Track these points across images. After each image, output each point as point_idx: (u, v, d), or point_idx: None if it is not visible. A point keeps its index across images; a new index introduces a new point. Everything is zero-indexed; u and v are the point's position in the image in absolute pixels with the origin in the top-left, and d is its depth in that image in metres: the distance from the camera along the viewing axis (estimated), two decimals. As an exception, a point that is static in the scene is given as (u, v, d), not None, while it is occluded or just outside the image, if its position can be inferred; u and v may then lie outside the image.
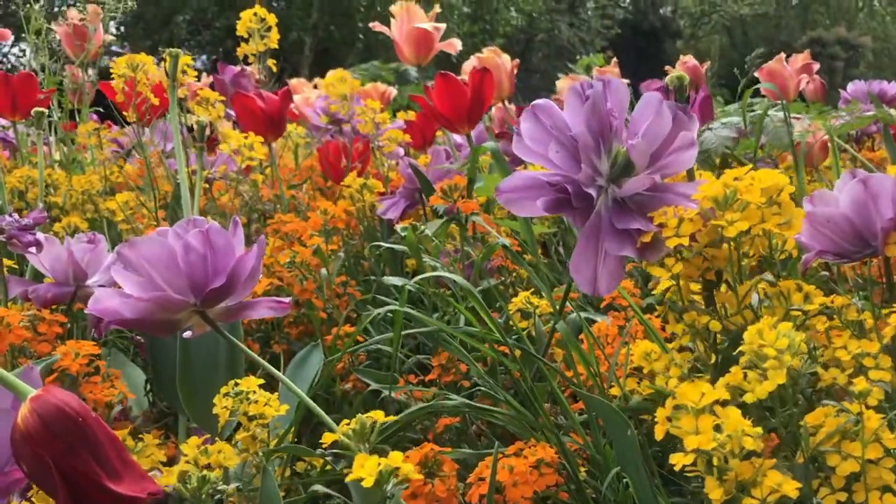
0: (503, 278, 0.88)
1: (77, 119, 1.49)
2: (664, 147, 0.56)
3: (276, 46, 1.14)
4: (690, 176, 0.61)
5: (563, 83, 1.45)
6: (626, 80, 1.98)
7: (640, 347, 0.60)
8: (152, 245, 0.52)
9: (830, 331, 0.56)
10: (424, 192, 1.01)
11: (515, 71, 1.36)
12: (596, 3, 19.49)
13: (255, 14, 1.12)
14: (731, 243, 0.54)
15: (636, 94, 2.07)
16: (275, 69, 1.29)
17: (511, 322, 0.73)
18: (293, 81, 2.28)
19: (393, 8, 1.18)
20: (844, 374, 0.51)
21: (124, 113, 0.94)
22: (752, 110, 1.65)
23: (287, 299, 0.58)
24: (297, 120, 1.56)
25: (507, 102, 1.44)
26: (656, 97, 0.56)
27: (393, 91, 2.29)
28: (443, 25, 1.19)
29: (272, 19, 1.13)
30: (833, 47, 19.88)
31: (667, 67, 0.54)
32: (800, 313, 0.52)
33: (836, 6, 24.48)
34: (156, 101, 0.89)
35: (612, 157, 0.56)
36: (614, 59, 1.74)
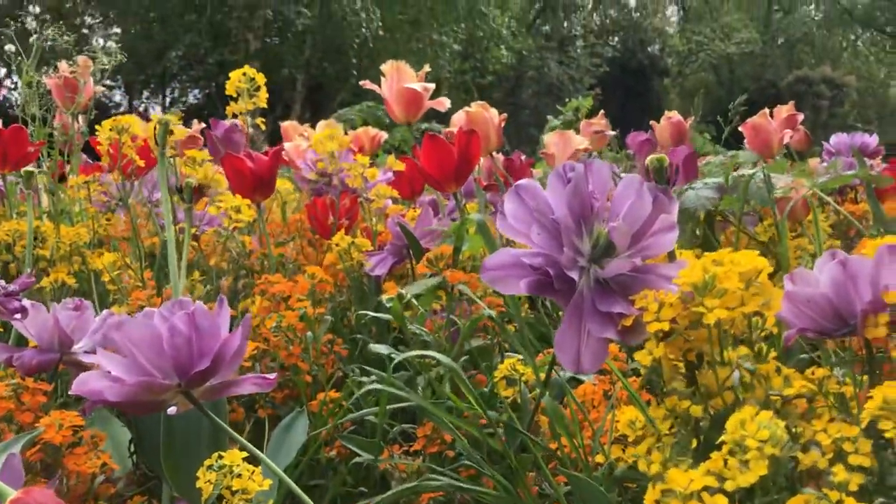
0: (490, 338, 0.89)
1: (67, 167, 1.50)
2: (645, 229, 0.57)
3: (265, 105, 1.15)
4: (672, 255, 0.62)
5: (549, 138, 1.47)
6: (612, 128, 2.00)
7: (625, 415, 0.61)
8: (139, 327, 0.52)
9: (814, 406, 0.57)
10: (412, 248, 1.02)
11: (503, 124, 1.38)
12: (585, 41, 19.77)
13: (244, 74, 1.13)
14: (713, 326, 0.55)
15: (623, 131, 2.10)
16: (263, 127, 1.30)
17: (496, 390, 0.73)
18: (285, 124, 2.29)
19: (383, 67, 1.20)
20: (825, 458, 0.52)
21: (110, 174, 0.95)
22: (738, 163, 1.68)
23: (272, 376, 0.58)
24: (289, 165, 1.58)
25: (494, 154, 1.46)
26: (637, 179, 0.57)
27: (383, 135, 2.31)
28: (432, 85, 1.21)
29: (261, 79, 1.15)
30: (818, 86, 20.18)
31: (649, 159, 0.54)
32: (778, 398, 0.53)
33: (822, 46, 24.89)
34: (141, 164, 0.90)
35: (594, 238, 0.57)
36: (601, 112, 1.76)
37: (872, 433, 0.54)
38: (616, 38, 21.58)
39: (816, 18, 25.31)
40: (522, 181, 0.58)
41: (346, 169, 1.13)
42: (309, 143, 1.30)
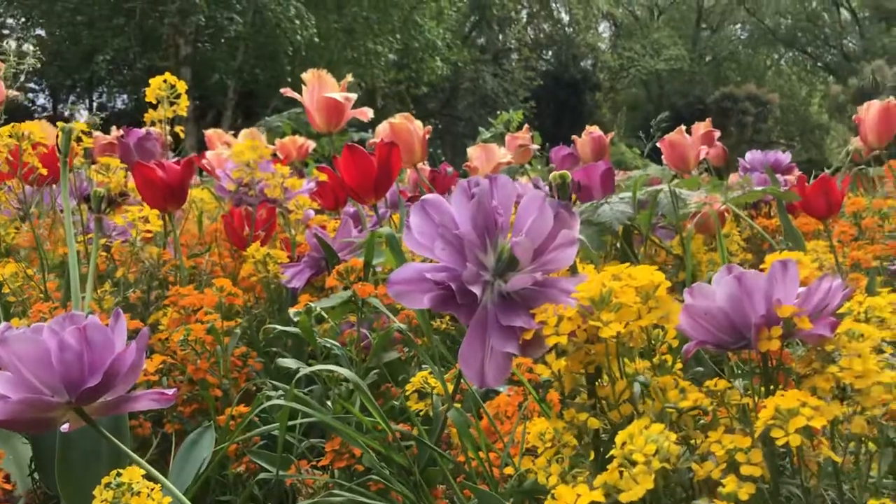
0: (408, 350, 0.88)
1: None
2: (547, 244, 0.57)
3: (185, 114, 1.13)
4: (574, 269, 0.63)
5: (472, 151, 1.47)
6: (545, 141, 2.02)
7: (536, 427, 0.61)
8: (25, 342, 0.50)
9: (718, 417, 0.58)
10: (330, 261, 1.01)
11: (428, 136, 1.38)
12: (519, 55, 20.04)
13: (164, 81, 1.11)
14: (611, 339, 0.56)
15: (556, 143, 2.12)
16: (182, 135, 1.27)
17: (408, 404, 0.73)
18: (209, 132, 2.26)
19: (305, 76, 1.19)
20: (718, 469, 0.53)
21: (8, 182, 0.92)
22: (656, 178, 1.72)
23: (171, 391, 0.57)
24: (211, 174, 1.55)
25: (420, 166, 1.46)
26: (539, 195, 0.58)
27: (311, 144, 2.29)
28: (353, 95, 1.20)
29: (182, 86, 1.12)
30: (743, 103, 20.84)
31: (552, 175, 0.55)
32: (673, 410, 0.54)
33: (747, 64, 25.74)
34: (44, 171, 0.87)
35: (498, 252, 0.57)
36: (526, 126, 1.78)
37: (766, 443, 0.56)
38: (550, 53, 21.92)
39: (742, 37, 26.18)
40: (428, 196, 0.58)
41: (264, 179, 1.12)
42: (230, 151, 1.28)
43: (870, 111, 1.47)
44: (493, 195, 0.58)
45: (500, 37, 20.53)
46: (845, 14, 24.74)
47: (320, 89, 1.16)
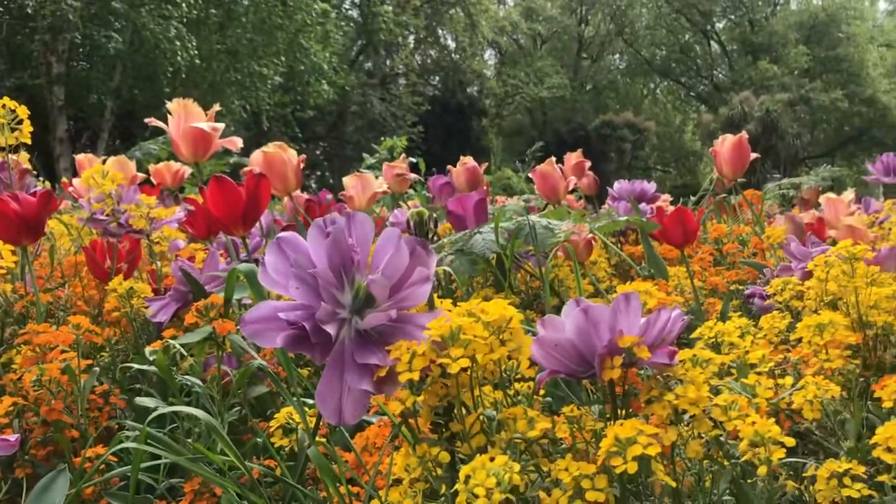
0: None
1: None
2: (403, 280, 0.59)
3: (29, 141, 1.07)
4: (432, 304, 0.64)
5: (348, 180, 1.48)
6: (434, 165, 2.04)
7: (401, 460, 0.62)
8: None
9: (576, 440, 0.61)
10: (196, 295, 0.99)
11: (302, 165, 1.38)
12: (407, 80, 20.22)
13: (2, 106, 1.05)
14: (466, 372, 0.58)
15: (441, 169, 2.15)
16: (29, 165, 1.21)
17: (272, 440, 0.73)
18: (80, 157, 2.17)
19: (170, 105, 1.17)
20: (565, 496, 0.55)
21: None
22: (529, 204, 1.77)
23: (14, 437, 0.55)
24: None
25: (294, 194, 1.45)
26: (396, 233, 0.59)
27: (187, 170, 2.23)
28: (221, 125, 1.18)
29: (23, 112, 1.07)
30: (622, 130, 21.71)
31: (410, 206, 0.56)
32: (521, 441, 0.56)
33: (625, 93, 26.85)
34: None
35: (355, 290, 0.58)
36: (403, 155, 1.80)
37: (610, 471, 0.58)
38: (437, 78, 22.22)
39: (620, 67, 27.32)
40: (284, 234, 0.59)
41: (130, 210, 1.09)
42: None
43: (725, 144, 1.57)
44: (350, 232, 0.59)
45: (388, 62, 20.66)
46: (715, 47, 26.22)
47: (186, 119, 1.14)
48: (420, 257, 0.59)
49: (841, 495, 0.69)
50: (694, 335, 0.99)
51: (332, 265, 0.57)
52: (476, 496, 0.47)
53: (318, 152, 19.49)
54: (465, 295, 1.39)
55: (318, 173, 18.54)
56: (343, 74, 14.71)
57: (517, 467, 0.50)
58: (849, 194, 1.63)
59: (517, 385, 0.68)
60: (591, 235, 1.44)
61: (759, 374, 0.93)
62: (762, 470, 0.58)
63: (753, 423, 0.59)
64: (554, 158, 1.60)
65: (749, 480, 0.65)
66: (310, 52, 12.27)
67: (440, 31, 21.66)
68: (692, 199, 2.47)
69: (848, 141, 23.69)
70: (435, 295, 0.64)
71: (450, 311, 0.59)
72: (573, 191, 2.23)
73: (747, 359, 0.91)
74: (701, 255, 1.48)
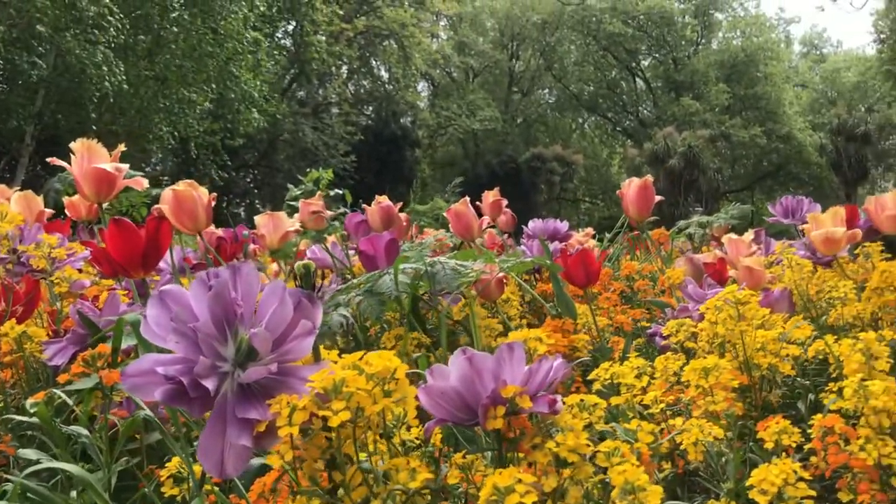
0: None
1: None
2: (287, 333, 0.59)
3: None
4: (318, 356, 0.65)
5: (260, 219, 1.48)
6: (366, 195, 2.04)
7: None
8: None
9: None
10: (94, 337, 0.97)
11: (213, 203, 1.37)
12: (340, 109, 20.21)
13: None
14: (349, 425, 0.58)
15: (372, 198, 2.15)
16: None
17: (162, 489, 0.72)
18: (-10, 188, 2.11)
19: (73, 145, 1.15)
20: (445, 546, 0.56)
21: None
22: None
23: None
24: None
25: (204, 232, 1.44)
26: (280, 286, 0.60)
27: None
28: (125, 166, 1.17)
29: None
30: (551, 163, 22.12)
31: (297, 265, 0.57)
32: (401, 493, 0.57)
33: (555, 126, 27.38)
34: None
35: (238, 343, 0.58)
36: (318, 193, 1.81)
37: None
38: (370, 108, 22.29)
39: (550, 101, 27.89)
40: (166, 287, 0.59)
41: (29, 251, 1.07)
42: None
43: (630, 187, 1.63)
44: (235, 285, 0.60)
45: (321, 91, 20.64)
46: (641, 83, 27.01)
47: (90, 160, 1.12)
48: (305, 309, 0.60)
49: (719, 536, 0.72)
50: (591, 376, 1.02)
51: (214, 318, 0.57)
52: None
53: (248, 180, 19.27)
54: (378, 335, 1.40)
55: (248, 201, 18.34)
56: (274, 103, 14.62)
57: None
58: (749, 234, 1.69)
59: (407, 434, 0.69)
60: (502, 274, 1.46)
61: (650, 415, 0.96)
62: (632, 516, 0.60)
63: (624, 471, 0.61)
64: (468, 198, 1.63)
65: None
66: (240, 80, 12.16)
67: (373, 62, 21.77)
68: (608, 235, 2.53)
69: (766, 175, 24.61)
70: (322, 346, 0.64)
71: (335, 362, 0.60)
72: (492, 226, 2.27)
73: (638, 400, 0.94)
74: (607, 295, 1.52)
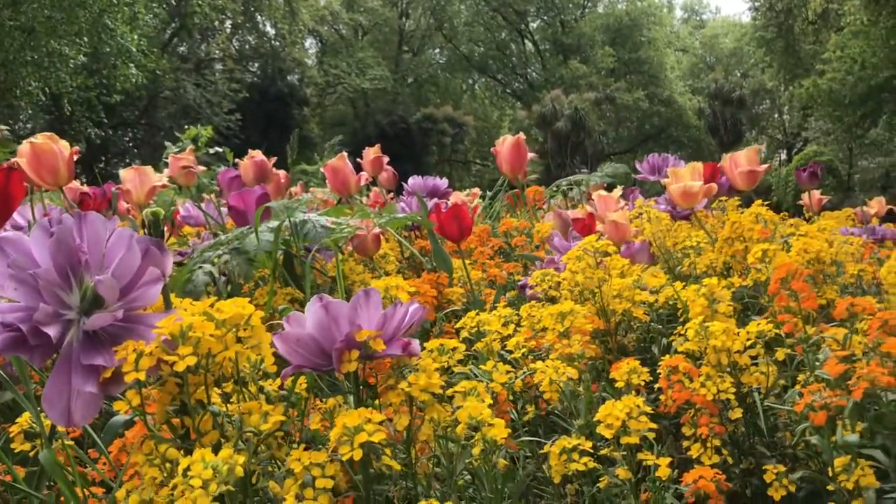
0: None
1: None
2: (135, 281, 0.59)
3: None
4: (168, 304, 0.65)
5: (125, 173, 1.43)
6: (252, 147, 2.00)
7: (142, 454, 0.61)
8: None
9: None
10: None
11: (76, 157, 1.32)
12: (224, 65, 19.54)
13: None
14: (201, 371, 0.59)
15: (267, 155, 2.09)
16: None
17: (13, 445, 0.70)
18: None
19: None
20: (297, 484, 0.58)
21: None
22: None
23: None
24: None
25: (67, 188, 1.39)
26: (128, 233, 0.59)
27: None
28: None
29: None
30: (442, 123, 22.15)
31: (145, 212, 0.56)
32: (252, 435, 0.58)
33: (445, 87, 27.38)
34: None
35: (83, 290, 0.57)
36: (190, 147, 1.76)
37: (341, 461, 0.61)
38: (256, 65, 21.65)
39: (441, 62, 27.84)
40: (6, 233, 0.57)
41: None
42: None
43: (504, 144, 1.66)
44: (80, 233, 0.59)
45: (203, 46, 19.90)
46: (530, 46, 27.30)
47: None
48: (154, 257, 0.60)
49: (569, 469, 0.77)
50: (458, 325, 1.05)
51: (56, 265, 0.56)
52: (193, 487, 0.48)
53: (127, 139, 18.46)
54: (252, 291, 1.39)
55: (127, 161, 17.56)
56: (153, 58, 13.96)
57: (241, 459, 0.52)
58: (617, 191, 1.76)
59: (268, 383, 0.69)
60: (378, 230, 1.47)
61: (515, 360, 1.00)
62: (477, 450, 0.63)
63: (474, 407, 0.63)
64: (346, 153, 1.62)
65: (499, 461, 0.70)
66: (116, 34, 11.54)
67: (258, 17, 21.10)
68: (489, 193, 2.58)
69: (648, 138, 25.44)
70: (172, 294, 0.64)
71: (185, 310, 0.60)
72: (373, 184, 2.27)
73: (499, 347, 0.98)
74: (481, 249, 1.55)
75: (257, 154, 1.59)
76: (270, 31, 21.38)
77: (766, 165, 1.68)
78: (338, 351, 0.64)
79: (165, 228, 0.65)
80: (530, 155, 1.67)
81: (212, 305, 0.59)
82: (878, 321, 0.89)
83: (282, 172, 1.91)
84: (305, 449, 0.59)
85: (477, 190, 3.53)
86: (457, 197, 2.73)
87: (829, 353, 0.88)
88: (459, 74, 27.78)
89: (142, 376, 0.54)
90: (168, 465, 0.56)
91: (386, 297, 0.82)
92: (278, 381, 0.72)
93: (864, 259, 1.52)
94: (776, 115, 23.88)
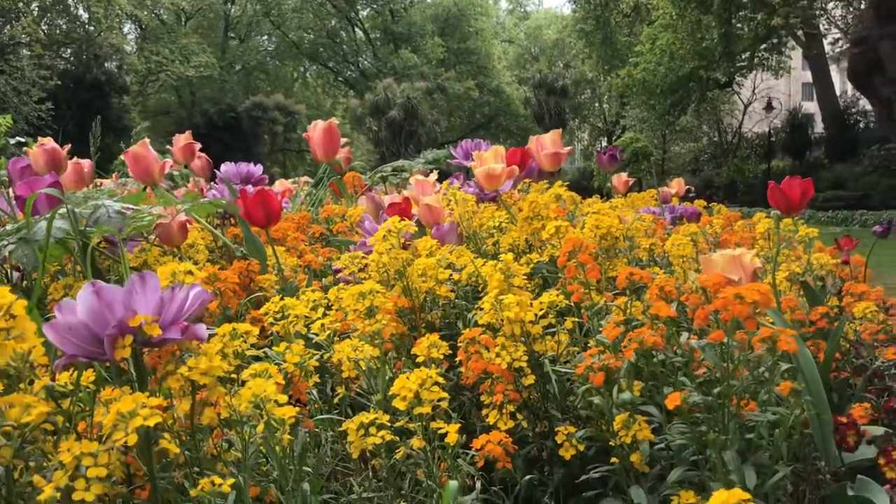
0: None
1: None
2: None
3: None
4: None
5: None
6: (69, 144, 1.86)
7: None
8: None
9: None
10: None
11: None
12: (31, 51, 18.13)
13: None
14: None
15: (82, 148, 1.96)
16: None
17: None
18: None
19: None
20: (65, 475, 0.56)
21: None
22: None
23: None
24: None
25: None
26: None
27: None
28: None
29: None
30: (273, 112, 21.70)
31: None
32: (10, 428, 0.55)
33: (275, 75, 26.83)
34: None
35: None
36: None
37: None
38: (69, 52, 20.27)
39: (270, 49, 27.21)
40: None
41: None
42: None
43: (316, 129, 1.65)
44: None
45: (7, 29, 18.38)
46: (360, 34, 27.21)
47: None
48: None
49: (367, 443, 0.78)
50: (262, 310, 1.04)
51: None
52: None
53: None
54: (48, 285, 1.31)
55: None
56: (-53, 41, 12.75)
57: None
58: (434, 176, 1.80)
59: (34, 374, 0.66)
60: (186, 218, 1.43)
61: (321, 343, 1.00)
62: (260, 427, 0.63)
63: (252, 387, 0.63)
64: (148, 140, 1.55)
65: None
66: None
67: (69, 0, 19.76)
68: (311, 181, 2.56)
69: (479, 127, 26.10)
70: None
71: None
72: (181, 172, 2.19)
73: (301, 328, 0.98)
74: (295, 235, 1.54)
75: (48, 141, 1.50)
76: (84, 14, 20.07)
77: (569, 148, 1.77)
78: (110, 337, 0.62)
79: None
80: (343, 140, 1.67)
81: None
82: (656, 288, 0.96)
83: (85, 161, 1.80)
84: (77, 439, 0.57)
85: (306, 178, 3.49)
86: (283, 185, 2.69)
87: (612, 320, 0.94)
88: (290, 62, 27.30)
89: None
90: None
91: (175, 283, 0.80)
92: (65, 374, 0.69)
93: (657, 234, 1.64)
94: (597, 104, 25.12)
